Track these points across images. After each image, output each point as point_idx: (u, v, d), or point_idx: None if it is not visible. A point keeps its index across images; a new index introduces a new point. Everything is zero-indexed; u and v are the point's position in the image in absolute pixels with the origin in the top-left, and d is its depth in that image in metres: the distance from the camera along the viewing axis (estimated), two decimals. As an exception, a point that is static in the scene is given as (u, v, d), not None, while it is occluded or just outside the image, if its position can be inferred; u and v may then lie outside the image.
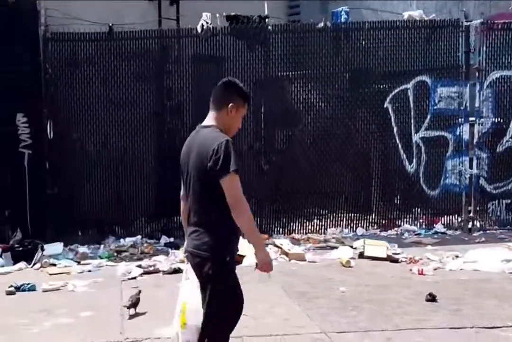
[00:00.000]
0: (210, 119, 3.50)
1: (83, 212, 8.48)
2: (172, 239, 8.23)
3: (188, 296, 3.70)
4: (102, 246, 7.93)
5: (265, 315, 5.21)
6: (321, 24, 7.96)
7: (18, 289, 6.16)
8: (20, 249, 7.50)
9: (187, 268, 3.67)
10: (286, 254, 7.09)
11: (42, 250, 7.40)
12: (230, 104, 3.43)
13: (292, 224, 8.33)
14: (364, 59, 8.08)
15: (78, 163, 8.43)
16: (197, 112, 8.68)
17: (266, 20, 7.99)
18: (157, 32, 8.32)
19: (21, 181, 8.40)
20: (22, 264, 7.19)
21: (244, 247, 7.20)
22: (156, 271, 6.71)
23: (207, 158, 3.27)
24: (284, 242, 7.40)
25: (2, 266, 7.26)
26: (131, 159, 8.63)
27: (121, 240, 8.10)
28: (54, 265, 7.20)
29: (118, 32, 8.15)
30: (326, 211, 8.36)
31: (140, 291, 5.49)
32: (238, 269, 5.96)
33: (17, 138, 8.37)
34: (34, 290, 6.20)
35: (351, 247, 7.30)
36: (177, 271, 6.65)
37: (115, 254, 7.58)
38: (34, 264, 7.20)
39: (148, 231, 8.49)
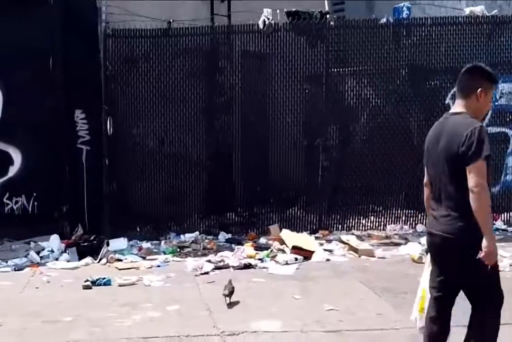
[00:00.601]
0: (459, 106, 3.54)
1: (140, 208, 8.45)
2: (229, 235, 8.21)
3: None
4: (163, 242, 7.89)
5: (356, 310, 5.15)
6: (384, 20, 7.91)
7: (94, 283, 6.13)
8: (85, 244, 7.48)
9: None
10: (354, 250, 7.02)
11: (107, 245, 7.37)
12: (479, 89, 3.46)
13: (351, 220, 8.26)
14: (426, 55, 8.00)
15: (135, 159, 8.41)
16: (247, 108, 8.68)
17: (327, 16, 7.91)
18: (221, 28, 8.27)
19: (79, 177, 8.42)
20: (88, 259, 7.15)
21: (311, 242, 7.25)
22: (227, 266, 6.64)
23: (460, 143, 3.33)
24: (350, 238, 7.32)
25: (68, 261, 7.26)
26: (184, 155, 8.60)
27: (181, 236, 8.06)
28: (120, 260, 7.16)
29: (180, 28, 8.13)
30: (384, 208, 8.29)
31: (231, 280, 5.51)
32: (308, 265, 5.95)
33: (76, 134, 8.42)
34: (109, 284, 6.16)
35: (419, 243, 7.21)
36: (248, 266, 6.64)
37: (178, 249, 7.53)
38: (100, 259, 7.17)
39: (205, 227, 8.46)
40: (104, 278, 6.18)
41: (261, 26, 7.83)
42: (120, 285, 6.12)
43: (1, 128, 8.22)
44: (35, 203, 8.38)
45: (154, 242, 7.91)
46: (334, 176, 8.20)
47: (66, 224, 8.42)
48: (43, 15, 8.11)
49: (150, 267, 6.82)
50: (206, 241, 7.80)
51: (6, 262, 7.33)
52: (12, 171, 8.33)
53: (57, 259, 7.35)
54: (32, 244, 8.05)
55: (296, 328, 4.71)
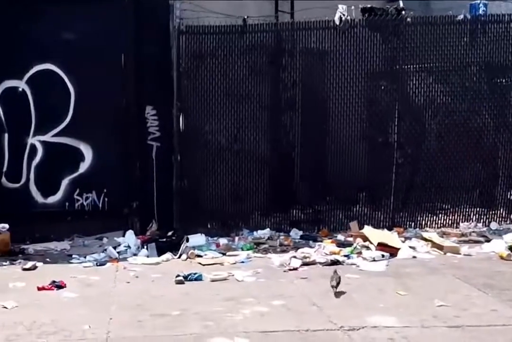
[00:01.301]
0: None
1: (209, 204, 8.41)
2: (301, 232, 8.15)
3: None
4: (236, 238, 7.84)
5: (467, 306, 5.07)
6: (461, 17, 7.83)
7: (185, 278, 6.08)
8: (164, 240, 7.45)
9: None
10: (438, 247, 6.93)
11: (187, 241, 7.32)
12: None
13: (424, 217, 8.18)
14: (503, 51, 7.91)
15: (206, 156, 8.37)
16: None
17: (403, 12, 7.84)
18: (297, 24, 8.15)
19: (149, 173, 8.39)
20: (168, 255, 7.11)
21: (395, 239, 7.17)
22: (313, 263, 6.58)
23: None
24: (432, 235, 7.24)
25: (147, 256, 7.23)
26: (248, 152, 8.55)
27: (254, 232, 8.01)
28: (200, 256, 7.12)
29: (255, 24, 8.12)
30: (458, 205, 8.20)
31: (336, 270, 5.54)
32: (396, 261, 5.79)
33: (146, 131, 8.40)
34: (201, 279, 6.10)
35: (504, 241, 7.12)
36: (335, 263, 6.57)
37: (255, 246, 7.48)
38: (180, 255, 7.13)
39: (273, 224, 8.40)
40: (195, 273, 6.13)
41: (337, 22, 7.78)
42: (212, 280, 6.07)
43: (72, 124, 8.24)
44: (105, 199, 8.37)
45: (228, 238, 7.87)
46: (409, 173, 8.12)
47: (136, 220, 8.42)
48: (115, 12, 8.11)
49: (234, 263, 6.78)
50: (282, 237, 7.74)
51: (85, 257, 7.33)
52: (83, 167, 8.33)
53: (135, 255, 7.33)
54: (105, 239, 8.05)
55: (416, 324, 4.64)
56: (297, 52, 8.38)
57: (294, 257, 6.68)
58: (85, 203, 8.37)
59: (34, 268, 6.85)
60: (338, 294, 5.38)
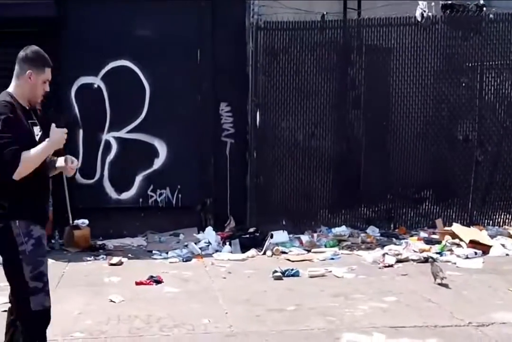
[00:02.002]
0: None
1: (282, 201, 8.34)
2: (377, 230, 8.07)
3: None
4: (315, 235, 7.77)
5: None
6: (549, 12, 7.75)
7: (283, 274, 6.02)
8: (247, 236, 7.39)
9: None
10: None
11: (271, 238, 7.26)
12: None
13: (503, 215, 8.07)
14: None
15: (277, 152, 8.29)
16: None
17: (484, 8, 7.74)
18: (380, 20, 8.04)
19: (223, 170, 8.35)
20: (253, 251, 7.06)
21: (485, 237, 7.07)
22: (406, 260, 6.50)
23: None
24: (523, 234, 7.16)
25: (231, 252, 7.18)
26: (316, 150, 8.48)
27: (332, 229, 7.93)
28: (284, 252, 7.06)
29: (335, 20, 8.09)
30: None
31: (433, 262, 5.62)
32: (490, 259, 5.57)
33: (220, 127, 8.36)
34: (298, 275, 6.04)
35: None
36: (427, 260, 6.45)
37: (337, 243, 7.41)
38: (265, 251, 7.08)
39: (346, 221, 8.32)
40: (292, 269, 6.06)
41: (419, 18, 7.70)
42: (311, 276, 6.00)
43: (147, 120, 8.21)
44: (179, 196, 8.33)
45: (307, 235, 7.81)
46: (489, 170, 8.01)
47: (209, 216, 8.38)
48: (192, 9, 8.09)
49: (324, 260, 6.71)
50: (363, 235, 7.66)
51: (167, 253, 7.29)
52: (157, 163, 8.29)
53: (216, 251, 7.29)
54: (181, 236, 8.00)
55: (547, 320, 4.56)
56: (375, 48, 8.30)
57: (386, 254, 6.59)
58: (158, 199, 8.33)
59: (120, 263, 6.83)
60: (446, 290, 5.29)
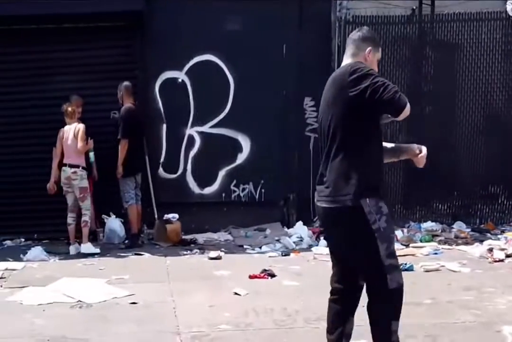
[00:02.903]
0: None
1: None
2: (464, 225, 7.99)
3: None
4: (405, 229, 7.68)
5: None
6: None
7: (398, 268, 5.94)
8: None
9: None
10: None
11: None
12: None
13: None
14: None
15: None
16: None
17: None
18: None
19: (306, 165, 8.26)
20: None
21: None
22: (513, 255, 6.44)
23: None
24: None
25: (326, 247, 7.09)
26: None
27: (420, 224, 7.86)
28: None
29: (425, 14, 8.01)
30: None
31: None
32: None
33: (304, 122, 8.28)
34: (412, 270, 5.96)
35: None
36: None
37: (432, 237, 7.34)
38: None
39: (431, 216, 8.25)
40: (406, 264, 5.98)
41: (510, 13, 7.62)
42: (426, 271, 5.94)
43: (231, 115, 8.16)
44: (262, 190, 8.27)
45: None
46: None
47: (293, 211, 8.32)
48: (278, 3, 8.00)
49: (427, 254, 6.64)
50: (454, 230, 7.59)
51: (260, 247, 7.24)
52: (241, 158, 8.24)
53: (310, 245, 7.22)
54: (268, 231, 7.95)
55: None
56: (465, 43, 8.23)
57: (492, 249, 6.51)
58: (241, 194, 8.27)
59: (220, 257, 6.77)
60: None
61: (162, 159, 8.17)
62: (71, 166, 7.07)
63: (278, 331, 4.38)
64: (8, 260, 6.85)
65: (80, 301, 5.21)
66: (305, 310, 4.79)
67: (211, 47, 8.04)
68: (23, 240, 7.99)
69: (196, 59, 8.08)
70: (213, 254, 6.79)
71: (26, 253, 7.02)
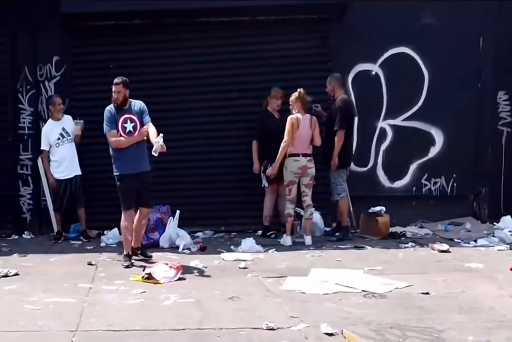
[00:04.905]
0: None
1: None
2: None
3: None
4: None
5: None
6: None
7: None
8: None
9: None
10: None
11: None
12: None
13: None
14: None
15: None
16: None
17: None
18: None
19: (498, 159, 8.10)
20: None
21: None
22: None
23: None
24: None
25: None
26: None
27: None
28: None
29: None
30: None
31: None
32: None
33: (497, 116, 8.12)
34: None
35: None
36: None
37: None
38: None
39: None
40: None
41: None
42: None
43: (424, 108, 8.03)
44: (454, 184, 8.13)
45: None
46: None
47: (484, 206, 8.16)
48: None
49: None
50: None
51: (475, 241, 7.11)
52: (433, 151, 8.11)
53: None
54: (468, 225, 7.81)
55: None
56: None
57: None
58: (432, 188, 8.13)
59: (449, 250, 6.62)
60: None
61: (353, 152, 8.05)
62: (304, 155, 7.00)
63: None
64: (222, 251, 6.82)
65: (365, 291, 5.12)
66: None
67: (406, 40, 7.93)
68: (212, 232, 7.95)
69: (391, 51, 7.97)
70: (443, 246, 6.64)
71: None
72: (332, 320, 4.34)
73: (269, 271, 5.89)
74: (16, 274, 5.93)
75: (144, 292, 5.22)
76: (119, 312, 4.69)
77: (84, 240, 7.64)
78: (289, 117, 7.03)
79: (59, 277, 5.83)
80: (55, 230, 7.88)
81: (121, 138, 5.95)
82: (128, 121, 5.98)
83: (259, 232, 7.74)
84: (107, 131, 6.00)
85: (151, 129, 5.92)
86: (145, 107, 6.00)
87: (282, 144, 6.96)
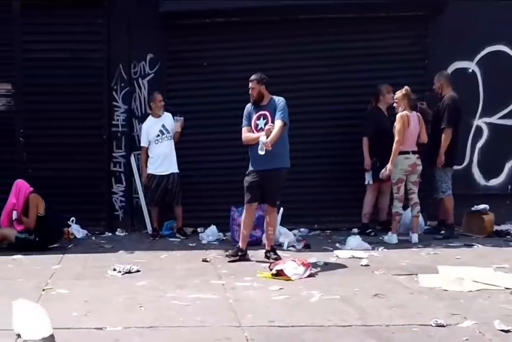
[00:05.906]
0: None
1: None
2: None
3: None
4: None
5: None
6: None
7: None
8: None
9: None
10: None
11: None
12: None
13: None
14: None
15: None
16: None
17: None
18: None
19: None
20: None
21: None
22: None
23: None
24: None
25: None
26: None
27: None
28: None
29: None
30: None
31: None
32: None
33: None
34: None
35: None
36: None
37: None
38: None
39: None
40: None
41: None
42: None
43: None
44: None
45: None
46: None
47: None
48: None
49: None
50: None
51: None
52: None
53: None
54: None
55: None
56: None
57: None
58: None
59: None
60: None
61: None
62: (414, 152, 6.96)
63: None
64: (327, 249, 6.77)
65: (508, 288, 5.05)
66: None
67: (503, 38, 7.86)
68: (307, 230, 7.91)
69: (488, 49, 7.90)
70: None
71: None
72: (496, 317, 4.26)
73: (394, 268, 5.83)
74: (138, 271, 5.89)
75: (282, 288, 5.17)
76: (270, 308, 4.64)
77: (182, 237, 7.60)
78: (399, 115, 6.96)
79: (183, 273, 5.80)
80: (149, 227, 7.87)
81: (249, 134, 5.91)
82: (261, 118, 5.93)
83: (355, 230, 7.69)
84: (241, 127, 5.98)
85: (276, 127, 5.84)
86: (283, 103, 5.86)
87: (394, 145, 6.89)
